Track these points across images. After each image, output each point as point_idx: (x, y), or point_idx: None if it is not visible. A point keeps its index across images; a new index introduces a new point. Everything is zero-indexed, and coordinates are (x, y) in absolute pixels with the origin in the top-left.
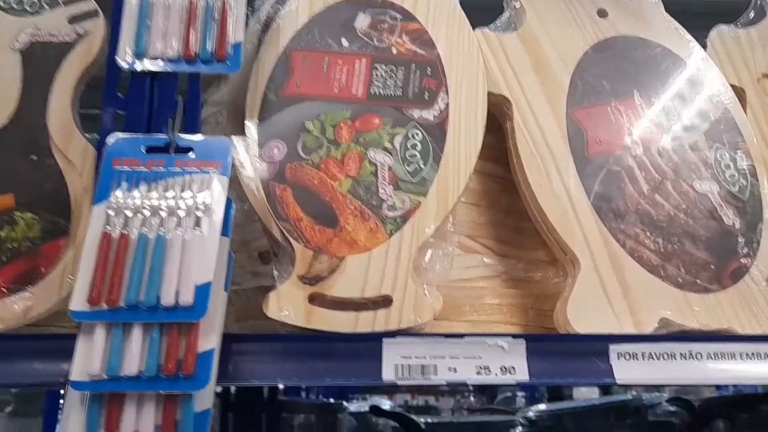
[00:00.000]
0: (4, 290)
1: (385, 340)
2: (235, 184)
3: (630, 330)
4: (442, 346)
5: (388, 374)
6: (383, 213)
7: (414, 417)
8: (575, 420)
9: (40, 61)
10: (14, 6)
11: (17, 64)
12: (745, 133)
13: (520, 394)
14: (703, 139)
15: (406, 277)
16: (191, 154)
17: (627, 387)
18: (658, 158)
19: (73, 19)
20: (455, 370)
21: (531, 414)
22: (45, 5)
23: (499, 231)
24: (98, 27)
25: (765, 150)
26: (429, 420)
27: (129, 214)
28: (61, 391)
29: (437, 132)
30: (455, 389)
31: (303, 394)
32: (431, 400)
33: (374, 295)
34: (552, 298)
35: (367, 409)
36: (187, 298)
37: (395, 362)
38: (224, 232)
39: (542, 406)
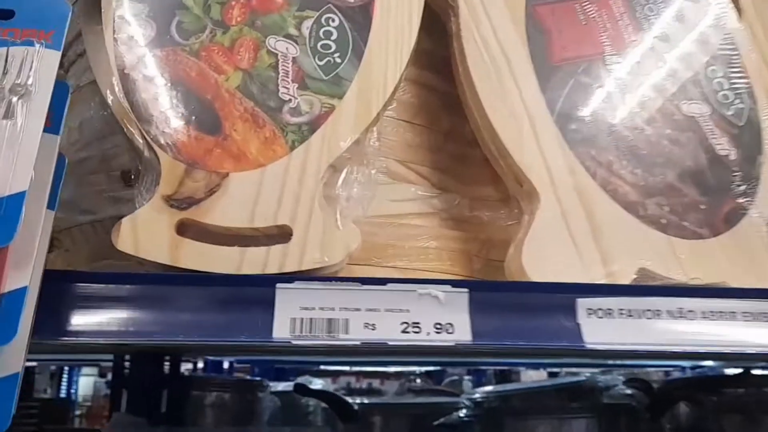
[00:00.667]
0: None
1: (279, 286)
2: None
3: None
4: (356, 294)
5: (281, 330)
6: (284, 118)
7: (346, 397)
8: (524, 402)
9: None
10: None
11: None
12: (740, 46)
13: (467, 377)
14: (691, 51)
15: (312, 203)
16: (13, 20)
17: (584, 366)
18: (638, 71)
19: None
20: (373, 327)
21: (477, 396)
22: None
23: (438, 157)
24: None
25: (764, 68)
26: (364, 401)
27: None
28: None
29: (360, 18)
30: (400, 373)
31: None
32: (375, 383)
33: (267, 225)
34: (503, 245)
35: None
36: None
37: (292, 315)
38: (53, 128)
39: (488, 388)
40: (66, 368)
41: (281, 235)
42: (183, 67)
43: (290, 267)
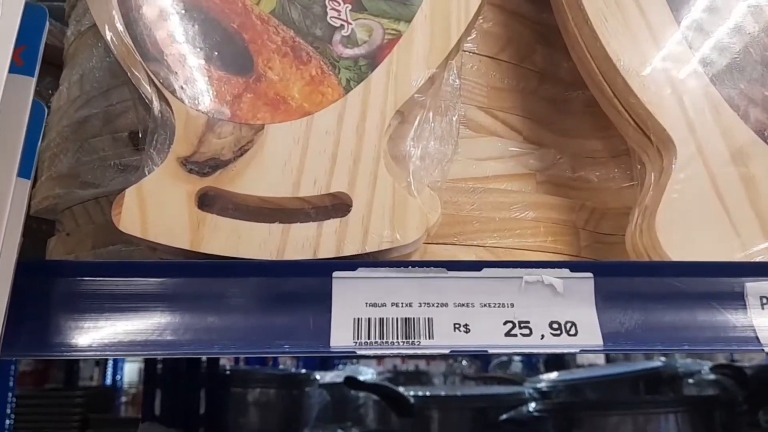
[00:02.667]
0: None
1: (337, 275)
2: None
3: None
4: (441, 284)
5: (341, 336)
6: (335, 50)
7: (400, 390)
8: (596, 392)
9: None
10: None
11: None
12: None
13: (516, 359)
14: None
15: (377, 163)
16: None
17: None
18: None
19: None
20: (466, 328)
21: (543, 385)
22: None
23: (530, 103)
24: None
25: None
26: (419, 393)
27: None
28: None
29: None
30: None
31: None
32: (422, 364)
33: (317, 194)
34: (617, 214)
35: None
36: None
37: (354, 314)
38: (25, 68)
39: (553, 375)
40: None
41: (336, 206)
42: None
43: (351, 250)
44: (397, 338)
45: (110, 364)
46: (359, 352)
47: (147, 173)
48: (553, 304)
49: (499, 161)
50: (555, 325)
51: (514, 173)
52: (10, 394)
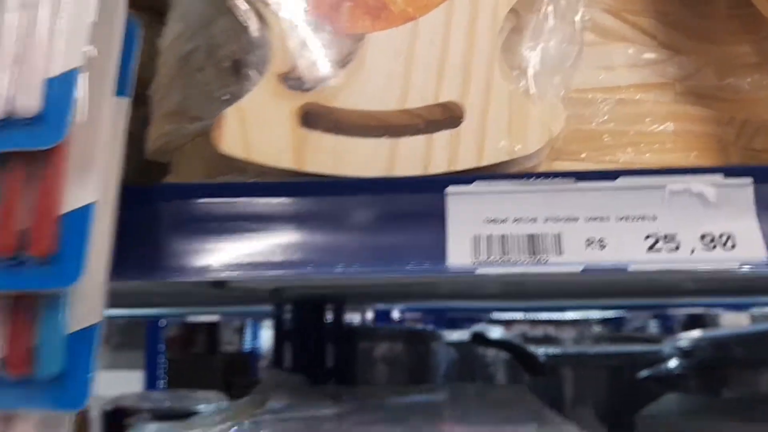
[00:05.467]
0: None
1: (451, 191)
2: None
3: None
4: (570, 198)
5: (458, 254)
6: None
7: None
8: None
9: None
10: None
11: None
12: None
13: (653, 324)
14: None
15: (491, 68)
16: None
17: None
18: None
19: None
20: (601, 244)
21: (683, 343)
22: None
23: (665, 5)
24: None
25: None
26: (550, 351)
27: None
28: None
29: None
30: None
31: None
32: (550, 330)
33: (427, 105)
34: None
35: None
36: (30, 100)
37: (473, 231)
38: None
39: (694, 334)
40: (249, 321)
41: (448, 118)
42: None
43: (465, 163)
44: (522, 255)
45: (248, 330)
46: (479, 272)
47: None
48: (704, 216)
49: (631, 69)
50: (707, 239)
51: (649, 82)
52: (161, 357)
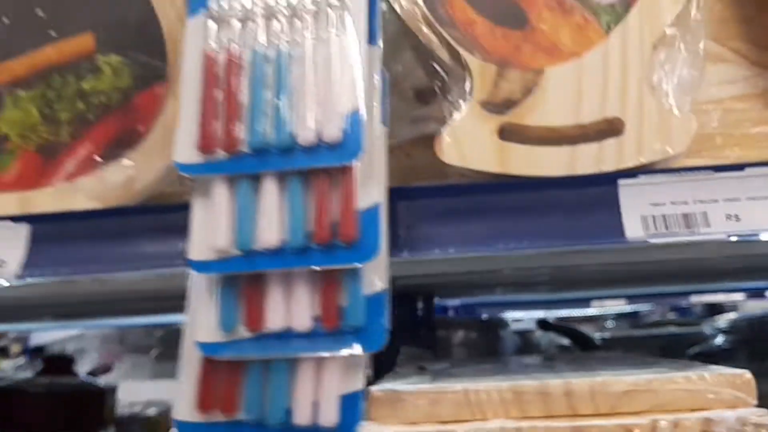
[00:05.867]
0: (98, 158)
1: (622, 183)
2: None
3: None
4: (710, 185)
5: (633, 230)
6: (592, 0)
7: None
8: None
9: None
10: None
11: None
12: None
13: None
14: None
15: (641, 89)
16: None
17: None
18: None
19: None
20: (736, 218)
21: (722, 323)
22: None
23: (751, 30)
24: None
25: None
26: (606, 336)
27: (236, 23)
28: None
29: None
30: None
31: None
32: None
33: (595, 120)
34: None
35: (530, 327)
36: (333, 131)
37: (642, 212)
38: (370, 39)
39: (732, 315)
40: None
41: (611, 129)
42: None
43: (629, 162)
44: (680, 228)
45: None
46: (651, 242)
47: (449, 118)
48: None
49: (731, 84)
50: None
51: (745, 93)
52: None
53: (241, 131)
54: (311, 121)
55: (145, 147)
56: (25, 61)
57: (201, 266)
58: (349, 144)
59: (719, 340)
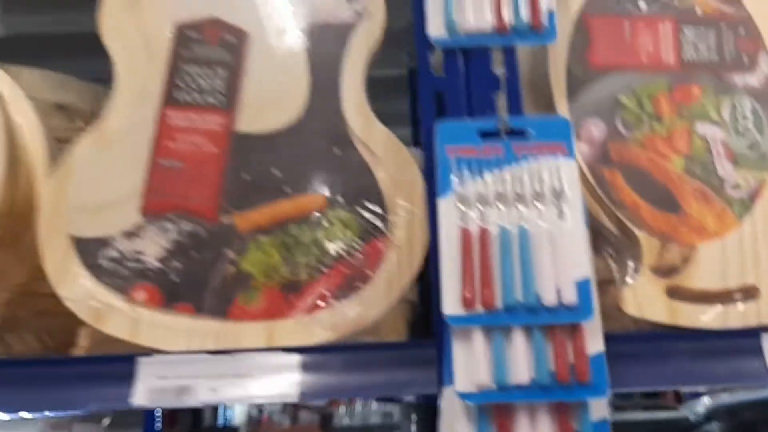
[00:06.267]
0: (332, 298)
1: (765, 335)
2: None
3: None
4: None
5: None
6: (727, 193)
7: None
8: (759, 414)
9: (321, 47)
10: None
11: (300, 52)
12: None
13: None
14: None
15: None
16: (527, 137)
17: None
18: None
19: None
20: None
21: (700, 409)
22: None
23: None
24: (379, 6)
25: None
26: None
27: (482, 206)
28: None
29: (766, 98)
30: None
31: None
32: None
33: (738, 286)
34: None
35: None
36: (570, 296)
37: None
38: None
39: (705, 400)
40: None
41: (750, 292)
42: (635, 157)
43: (765, 319)
44: None
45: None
46: None
47: (629, 278)
48: None
49: None
50: None
51: None
52: None
53: (495, 292)
54: (551, 287)
55: (372, 288)
56: (265, 211)
57: (466, 396)
58: (582, 306)
59: (713, 427)
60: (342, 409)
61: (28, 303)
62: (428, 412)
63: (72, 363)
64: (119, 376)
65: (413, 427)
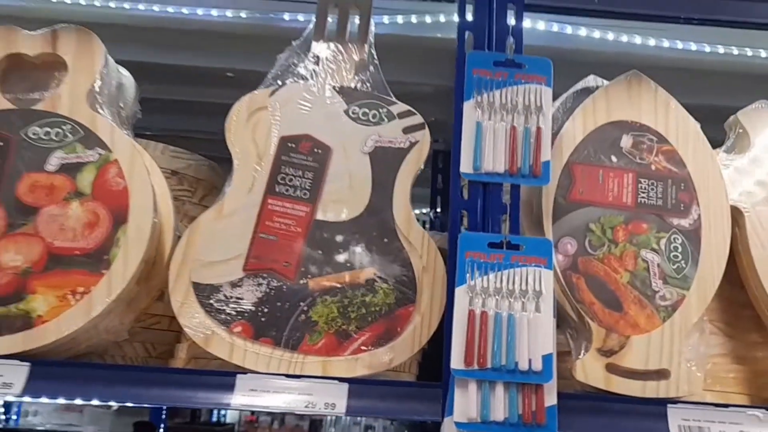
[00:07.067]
0: (372, 346)
1: (669, 406)
2: None
3: None
4: (712, 413)
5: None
6: (656, 302)
7: None
8: None
9: (383, 163)
10: (361, 117)
11: (367, 165)
12: None
13: None
14: None
15: (680, 355)
16: (521, 250)
17: None
18: None
19: (407, 130)
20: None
21: None
22: (384, 118)
23: (726, 316)
24: (425, 137)
25: None
26: None
27: (484, 296)
28: None
29: (693, 237)
30: None
31: None
32: None
33: (655, 368)
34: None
35: None
36: (538, 365)
37: (678, 423)
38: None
39: None
40: None
41: (664, 373)
42: (595, 269)
43: (671, 394)
44: None
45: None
46: None
47: (581, 354)
48: (759, 426)
49: (716, 347)
50: None
51: (722, 353)
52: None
53: (487, 357)
54: (526, 357)
55: (401, 341)
56: (331, 278)
57: (460, 425)
58: (545, 373)
59: None
60: (329, 419)
61: (140, 319)
62: (420, 428)
63: (186, 372)
64: (222, 385)
65: None
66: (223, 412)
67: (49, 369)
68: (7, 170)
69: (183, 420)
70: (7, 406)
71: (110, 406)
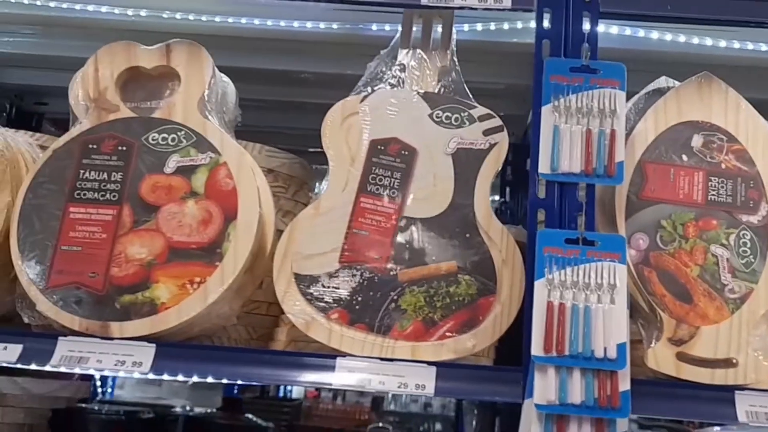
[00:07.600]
0: (456, 332)
1: (737, 392)
2: None
3: None
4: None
5: (742, 418)
6: (725, 295)
7: None
8: None
9: (464, 163)
10: (444, 121)
11: (450, 165)
12: None
13: None
14: None
15: (747, 345)
16: (596, 246)
17: None
18: None
19: (486, 132)
20: None
21: None
22: (466, 121)
23: None
24: (504, 138)
25: None
26: None
27: (562, 289)
28: None
29: (762, 233)
30: None
31: None
32: None
33: (723, 357)
34: None
35: None
36: (612, 353)
37: (746, 409)
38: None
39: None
40: None
41: (731, 362)
42: (666, 263)
43: (739, 382)
44: (765, 421)
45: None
46: (751, 424)
47: (652, 343)
48: None
49: None
50: None
51: None
52: None
53: (565, 345)
54: (601, 345)
55: (482, 329)
56: (418, 270)
57: (540, 407)
58: (619, 360)
59: None
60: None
61: (244, 305)
62: (487, 409)
63: (292, 355)
64: (324, 366)
65: (474, 419)
66: (289, 388)
67: (172, 350)
68: (132, 172)
69: (253, 395)
70: (104, 379)
71: (186, 381)
